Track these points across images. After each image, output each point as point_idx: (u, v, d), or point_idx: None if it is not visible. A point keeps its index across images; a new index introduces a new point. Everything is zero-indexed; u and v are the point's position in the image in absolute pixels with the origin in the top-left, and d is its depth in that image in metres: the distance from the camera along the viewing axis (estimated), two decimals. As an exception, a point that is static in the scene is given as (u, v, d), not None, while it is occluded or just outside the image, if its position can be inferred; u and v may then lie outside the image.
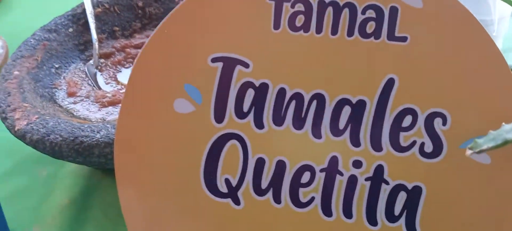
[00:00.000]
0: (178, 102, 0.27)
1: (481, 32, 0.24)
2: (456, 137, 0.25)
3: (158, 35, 0.27)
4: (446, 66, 0.25)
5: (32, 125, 0.32)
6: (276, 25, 0.26)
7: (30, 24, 0.46)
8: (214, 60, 0.26)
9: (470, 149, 0.16)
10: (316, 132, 0.26)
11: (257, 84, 0.26)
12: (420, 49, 0.25)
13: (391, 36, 0.25)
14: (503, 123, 0.15)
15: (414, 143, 0.25)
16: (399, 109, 0.25)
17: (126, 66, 0.43)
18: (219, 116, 0.26)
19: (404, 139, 0.25)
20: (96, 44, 0.44)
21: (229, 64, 0.26)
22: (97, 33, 0.44)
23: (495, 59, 0.24)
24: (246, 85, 0.26)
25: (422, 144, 0.25)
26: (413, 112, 0.25)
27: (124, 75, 0.42)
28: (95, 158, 0.30)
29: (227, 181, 0.26)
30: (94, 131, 0.30)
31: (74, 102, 0.38)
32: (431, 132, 0.25)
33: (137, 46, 0.44)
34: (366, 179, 0.25)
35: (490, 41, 0.24)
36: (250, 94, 0.26)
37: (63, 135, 0.30)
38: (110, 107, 0.37)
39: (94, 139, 0.30)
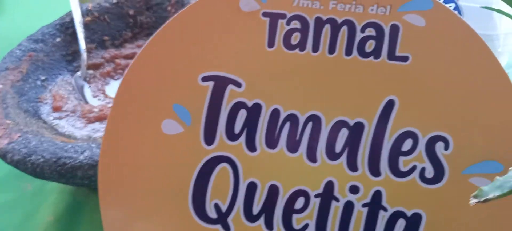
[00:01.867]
0: (166, 123, 0.25)
1: (486, 52, 0.23)
2: (459, 162, 0.23)
3: (146, 52, 0.26)
4: (449, 87, 0.23)
5: (13, 144, 0.30)
6: (271, 43, 0.25)
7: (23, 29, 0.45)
8: (205, 79, 0.25)
9: (475, 197, 0.14)
10: (311, 155, 0.24)
11: (249, 104, 0.25)
12: (421, 70, 0.24)
13: (391, 56, 0.24)
14: (511, 168, 0.14)
15: (414, 168, 0.24)
16: (399, 132, 0.24)
17: (115, 78, 0.42)
18: (209, 138, 0.25)
19: (404, 163, 0.24)
20: (84, 55, 0.42)
21: (220, 84, 0.25)
22: (86, 43, 0.43)
23: (500, 80, 0.23)
24: (238, 105, 0.25)
25: (423, 169, 0.24)
26: (413, 136, 0.24)
27: (113, 88, 0.41)
28: (78, 179, 0.29)
29: (216, 206, 0.25)
30: (77, 152, 0.29)
31: (60, 118, 0.37)
32: (432, 156, 0.24)
33: (127, 57, 0.43)
34: (363, 205, 0.24)
35: (495, 62, 0.23)
36: (242, 115, 0.25)
37: (45, 155, 0.29)
38: (97, 123, 0.35)
39: (77, 161, 0.29)
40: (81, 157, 0.29)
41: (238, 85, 0.25)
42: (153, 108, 0.25)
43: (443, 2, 0.32)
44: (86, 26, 0.43)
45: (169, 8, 0.44)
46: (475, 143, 0.23)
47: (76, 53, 0.43)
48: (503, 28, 0.31)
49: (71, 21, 0.43)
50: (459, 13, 0.31)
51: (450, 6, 0.31)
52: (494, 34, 0.31)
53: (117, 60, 0.42)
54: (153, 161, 0.26)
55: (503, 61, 0.34)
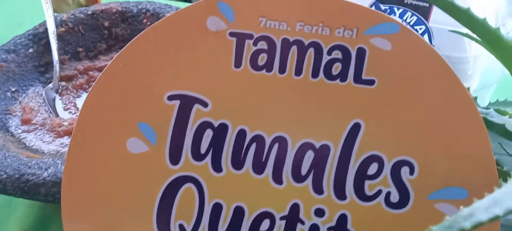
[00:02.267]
0: (131, 141, 0.25)
1: (451, 77, 0.23)
2: (424, 188, 0.23)
3: (112, 68, 0.25)
4: (414, 112, 0.23)
5: (-23, 159, 0.30)
6: (237, 63, 0.24)
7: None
8: (171, 98, 0.25)
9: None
10: (277, 177, 0.24)
11: (215, 124, 0.25)
12: (387, 94, 0.24)
13: (358, 79, 0.24)
14: (462, 206, 0.14)
15: (379, 192, 0.24)
16: (364, 156, 0.24)
17: (88, 90, 0.41)
18: (175, 157, 0.25)
19: (369, 187, 0.24)
20: (57, 66, 0.41)
21: (186, 103, 0.25)
22: (60, 54, 0.42)
23: (465, 106, 0.23)
24: (204, 125, 0.25)
25: (388, 194, 0.24)
26: (379, 160, 0.24)
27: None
28: (41, 196, 0.28)
29: (181, 227, 0.25)
30: (41, 168, 0.28)
31: (28, 131, 0.36)
32: (397, 181, 0.24)
33: (101, 69, 0.42)
34: (329, 229, 0.24)
35: (461, 87, 0.23)
36: (208, 135, 0.25)
37: (8, 171, 0.28)
38: (66, 137, 0.35)
39: (40, 178, 0.28)
40: (45, 174, 0.28)
41: (205, 104, 0.25)
42: (118, 126, 0.25)
43: (414, 23, 0.32)
44: (60, 37, 0.43)
45: (144, 20, 0.43)
46: (440, 168, 0.23)
47: (49, 65, 0.42)
48: (473, 51, 0.31)
49: (45, 31, 0.42)
50: (429, 35, 0.31)
51: (421, 28, 0.31)
52: (464, 56, 0.31)
53: (91, 73, 0.42)
54: (117, 179, 0.25)
55: (474, 84, 0.34)
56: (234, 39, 0.24)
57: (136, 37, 0.25)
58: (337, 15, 0.23)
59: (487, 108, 0.28)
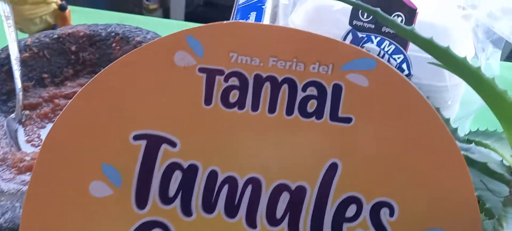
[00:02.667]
0: (94, 184, 0.23)
1: (431, 114, 0.22)
2: (405, 229, 0.22)
3: (75, 104, 0.24)
4: (393, 151, 0.22)
5: None
6: (208, 101, 0.23)
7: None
8: (137, 137, 0.23)
9: None
10: (251, 220, 0.23)
11: (185, 166, 0.23)
12: (365, 132, 0.22)
13: (334, 117, 0.23)
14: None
15: (359, 235, 0.22)
16: (342, 197, 0.23)
17: (53, 119, 0.39)
18: (141, 201, 0.23)
19: (348, 230, 0.23)
20: (20, 95, 0.39)
21: (153, 143, 0.23)
22: (23, 81, 0.40)
23: (446, 144, 0.22)
24: (173, 166, 0.23)
25: (368, 236, 0.22)
26: (357, 201, 0.23)
27: (49, 133, 0.38)
28: (-3, 244, 0.26)
29: (149, 276, 0.23)
30: (-3, 213, 0.26)
31: (-14, 167, 0.34)
32: (377, 223, 0.22)
33: (67, 96, 0.40)
34: (306, 274, 0.23)
35: (440, 124, 0.22)
36: (177, 177, 0.23)
37: (-40, 217, 0.26)
38: (27, 174, 0.33)
39: (-5, 223, 0.26)
40: (1, 220, 0.26)
41: (173, 144, 0.23)
42: (81, 167, 0.23)
43: (392, 52, 0.31)
44: (23, 62, 0.41)
45: (114, 44, 0.41)
46: (420, 209, 0.22)
47: (11, 93, 0.40)
48: (453, 79, 0.30)
49: (7, 57, 0.40)
50: (408, 64, 0.30)
51: (399, 57, 0.30)
52: (444, 85, 0.30)
53: (57, 100, 0.40)
54: (79, 225, 0.23)
55: (453, 113, 0.33)
56: (203, 75, 0.23)
57: (100, 72, 0.23)
58: (311, 50, 0.22)
59: (468, 141, 0.28)
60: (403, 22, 0.29)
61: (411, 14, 0.29)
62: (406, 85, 0.22)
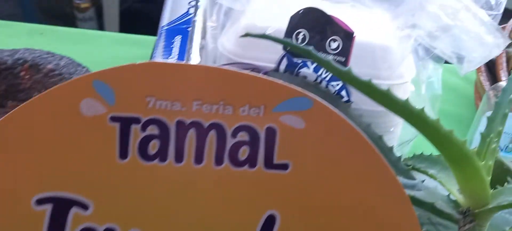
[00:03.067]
0: (-10, 261, 0.20)
1: (372, 155, 0.20)
2: None
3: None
4: (333, 197, 0.20)
5: None
6: (123, 154, 0.20)
7: None
8: (40, 202, 0.20)
9: None
10: None
11: (100, 230, 0.20)
12: (304, 179, 0.20)
13: (269, 164, 0.20)
14: None
15: None
16: (283, 253, 0.20)
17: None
18: (50, 277, 0.20)
19: None
20: None
21: (61, 207, 0.20)
22: None
23: (389, 185, 0.20)
24: (86, 232, 0.20)
25: None
26: (299, 256, 0.20)
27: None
28: None
29: None
30: None
31: None
32: (321, 279, 0.20)
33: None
34: None
35: (383, 164, 0.20)
36: (91, 244, 0.20)
37: None
38: None
39: None
40: None
41: (85, 207, 0.20)
42: (-26, 241, 0.20)
43: (330, 79, 0.29)
44: None
45: (22, 73, 0.37)
46: (367, 260, 0.20)
47: None
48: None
49: None
50: (347, 91, 0.28)
51: (338, 84, 0.28)
52: (384, 110, 0.29)
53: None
54: None
55: (396, 138, 0.32)
56: (117, 125, 0.20)
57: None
58: (239, 91, 0.20)
59: (412, 168, 0.26)
60: (340, 47, 0.27)
61: (348, 37, 0.27)
62: (345, 125, 0.20)
